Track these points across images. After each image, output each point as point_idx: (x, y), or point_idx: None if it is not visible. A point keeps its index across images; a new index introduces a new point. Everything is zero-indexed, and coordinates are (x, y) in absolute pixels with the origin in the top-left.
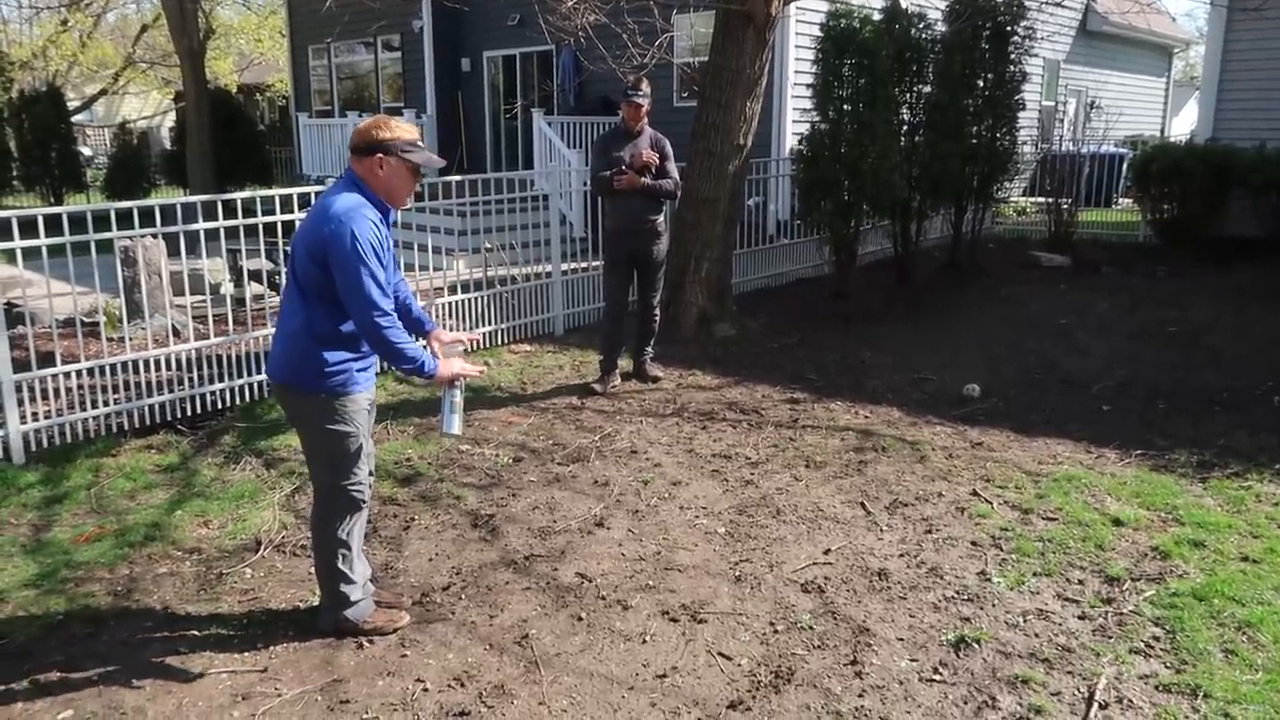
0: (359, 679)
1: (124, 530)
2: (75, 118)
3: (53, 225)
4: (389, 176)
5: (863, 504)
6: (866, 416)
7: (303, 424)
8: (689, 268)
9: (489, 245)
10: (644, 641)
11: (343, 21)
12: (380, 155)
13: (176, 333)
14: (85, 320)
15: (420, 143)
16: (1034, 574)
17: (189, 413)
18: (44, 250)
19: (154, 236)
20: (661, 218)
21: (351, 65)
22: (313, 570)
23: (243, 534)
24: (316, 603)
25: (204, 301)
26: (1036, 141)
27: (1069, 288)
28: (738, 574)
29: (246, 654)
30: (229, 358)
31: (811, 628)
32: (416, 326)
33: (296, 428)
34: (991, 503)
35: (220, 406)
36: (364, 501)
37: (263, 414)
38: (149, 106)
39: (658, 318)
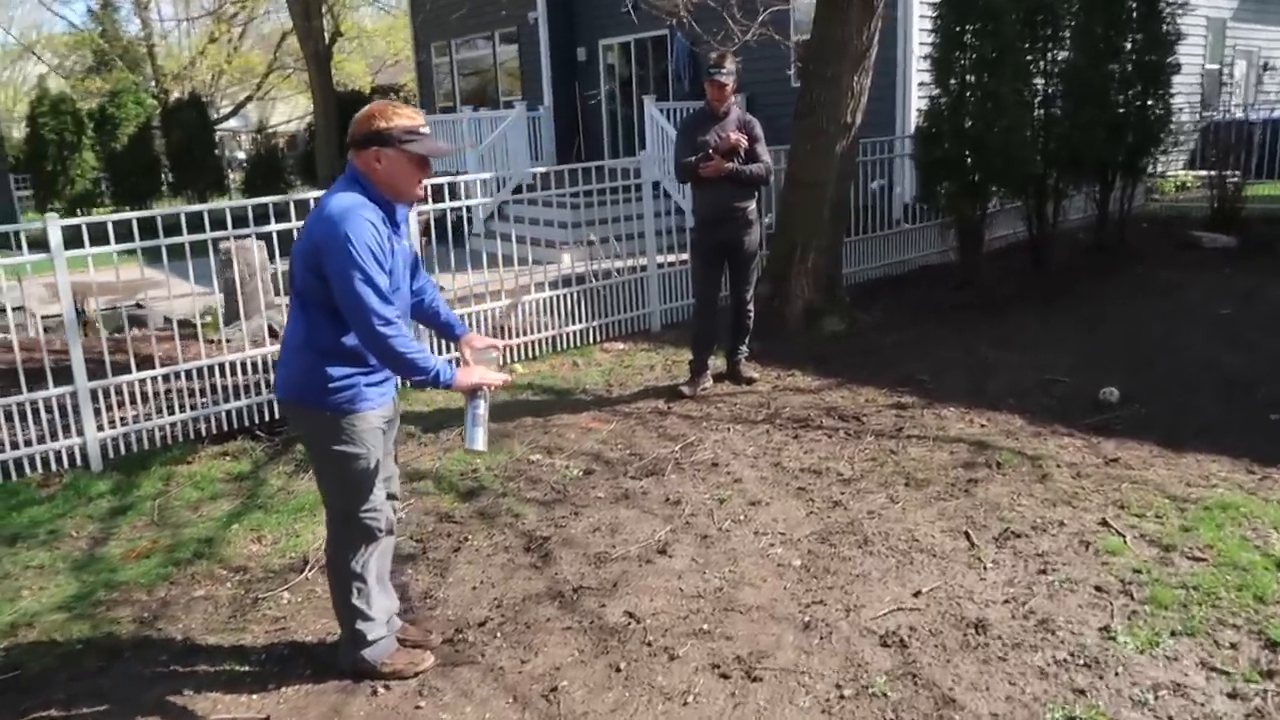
0: None
1: (175, 546)
2: (230, 124)
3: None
4: (389, 170)
5: (967, 533)
6: (983, 425)
7: (310, 444)
8: (794, 257)
9: (593, 237)
10: (685, 703)
11: (460, 15)
12: (376, 148)
13: (274, 334)
14: (191, 322)
15: (423, 129)
16: (1171, 633)
17: (268, 418)
18: (139, 253)
19: (257, 238)
20: (752, 205)
21: (473, 61)
22: None
23: (293, 551)
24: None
25: None
26: (1198, 109)
27: (1234, 272)
28: (807, 619)
29: (255, 695)
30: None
31: (885, 695)
32: (446, 331)
33: (306, 448)
34: (1124, 536)
35: None
36: (379, 530)
37: None
38: (298, 110)
39: (752, 313)
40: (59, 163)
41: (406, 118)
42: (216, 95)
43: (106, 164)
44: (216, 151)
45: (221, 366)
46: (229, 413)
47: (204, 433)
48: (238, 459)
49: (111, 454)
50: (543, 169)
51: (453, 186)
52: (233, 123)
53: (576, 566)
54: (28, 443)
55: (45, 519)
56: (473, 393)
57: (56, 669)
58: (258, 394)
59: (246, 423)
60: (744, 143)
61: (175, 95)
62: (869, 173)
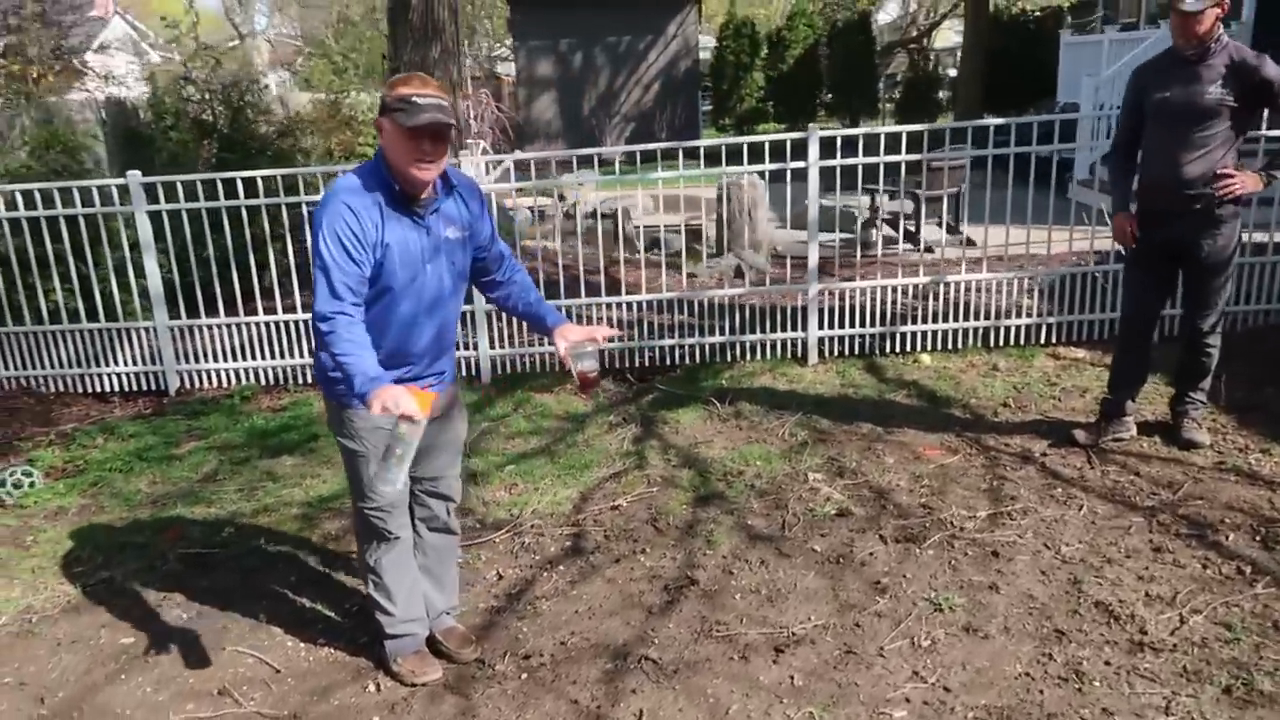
0: None
1: None
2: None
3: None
4: (387, 142)
5: None
6: None
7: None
8: None
9: None
10: None
11: None
12: (380, 117)
13: (739, 274)
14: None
15: (418, 99)
16: None
17: (645, 363)
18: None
19: (761, 175)
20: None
21: None
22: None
23: (519, 507)
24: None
25: (803, 243)
26: None
27: None
28: None
29: (304, 645)
30: (751, 309)
31: None
32: (537, 324)
33: None
34: None
35: (675, 361)
36: (388, 531)
37: (704, 379)
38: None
39: (1214, 349)
40: (734, 82)
41: (405, 85)
42: (920, 13)
43: (773, 84)
44: (877, 73)
45: (654, 303)
46: (625, 350)
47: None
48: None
49: (496, 370)
50: None
51: (1047, 127)
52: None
53: (679, 629)
54: None
55: None
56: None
57: (235, 558)
58: (659, 336)
59: (628, 363)
60: (1216, 94)
61: (843, 16)
62: None
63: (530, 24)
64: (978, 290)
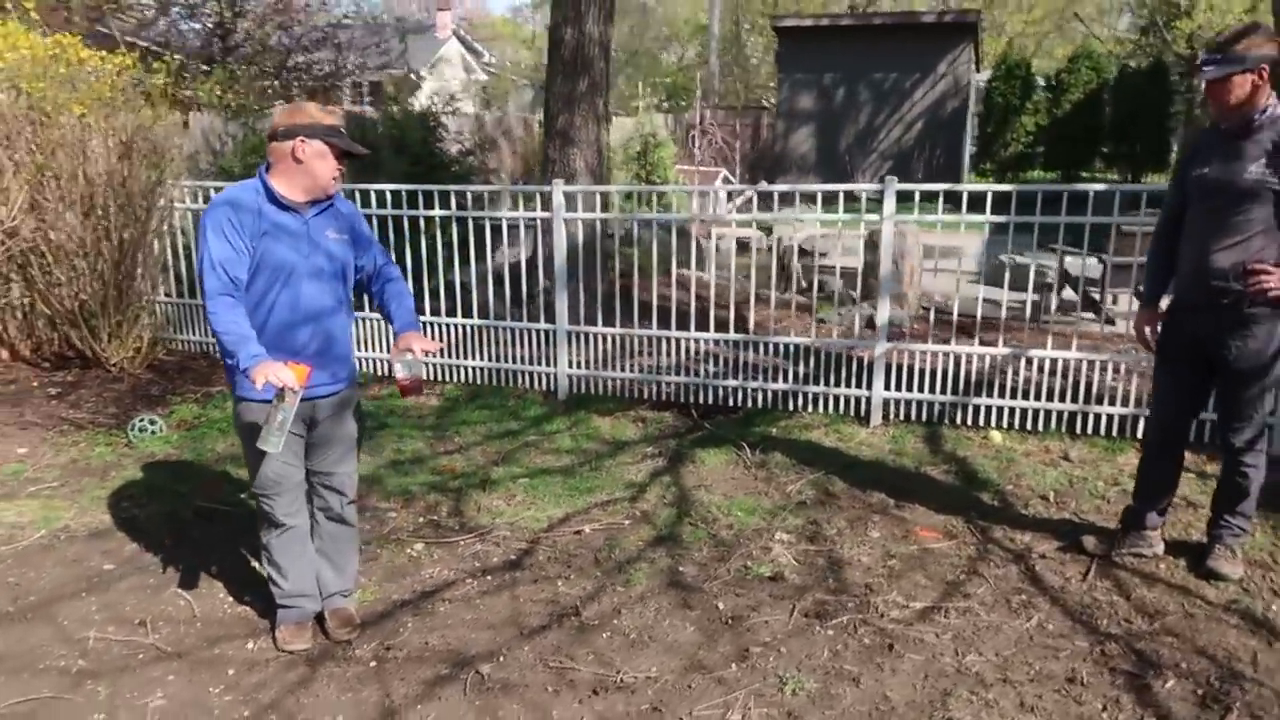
0: (175, 667)
1: (468, 474)
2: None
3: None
4: (311, 158)
5: None
6: None
7: None
8: None
9: None
10: None
11: None
12: (302, 138)
13: (871, 325)
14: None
15: (343, 129)
16: None
17: (717, 400)
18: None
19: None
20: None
21: None
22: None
23: (504, 519)
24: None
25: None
26: None
27: None
28: None
29: (227, 598)
30: (819, 358)
31: None
32: (391, 323)
33: None
34: None
35: (738, 403)
36: (274, 515)
37: (756, 425)
38: None
39: (1252, 469)
40: (1000, 126)
41: (333, 117)
42: None
43: (1046, 130)
44: (1172, 124)
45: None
46: (690, 386)
47: (644, 394)
48: (643, 426)
49: (572, 390)
50: None
51: None
52: None
53: (529, 653)
54: (522, 359)
55: (474, 419)
56: (281, 391)
57: (237, 517)
58: (727, 377)
59: (691, 399)
60: (1255, 174)
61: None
62: None
63: (797, 56)
64: (1099, 370)
